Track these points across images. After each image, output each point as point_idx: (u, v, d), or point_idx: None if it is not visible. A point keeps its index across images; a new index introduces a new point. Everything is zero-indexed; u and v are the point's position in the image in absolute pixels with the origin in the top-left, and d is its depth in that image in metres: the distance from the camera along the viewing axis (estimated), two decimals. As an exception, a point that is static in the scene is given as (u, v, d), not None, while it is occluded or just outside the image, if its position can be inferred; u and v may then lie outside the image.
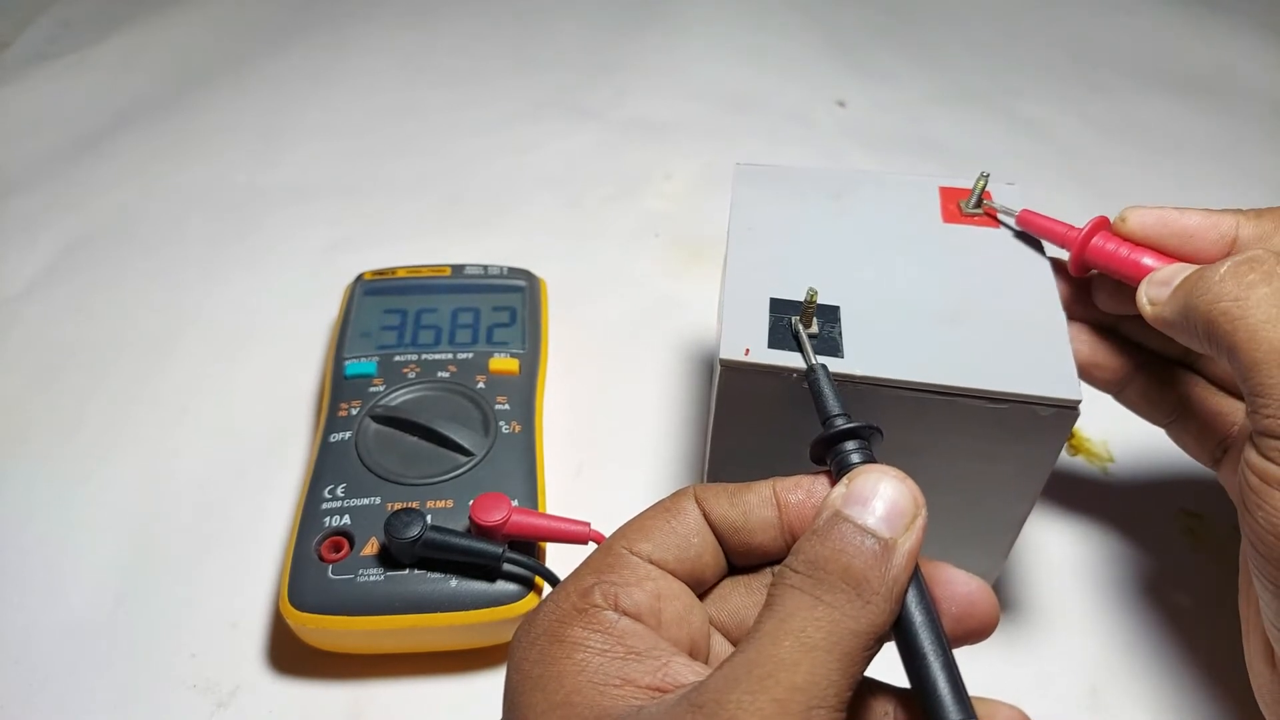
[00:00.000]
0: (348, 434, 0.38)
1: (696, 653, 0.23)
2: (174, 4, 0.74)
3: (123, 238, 0.54)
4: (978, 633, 0.23)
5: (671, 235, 0.55)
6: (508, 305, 0.44)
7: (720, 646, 0.24)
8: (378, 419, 0.38)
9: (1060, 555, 0.39)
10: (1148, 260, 0.30)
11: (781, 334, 0.29)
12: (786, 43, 0.73)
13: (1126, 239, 0.31)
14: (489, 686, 0.35)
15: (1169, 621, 0.37)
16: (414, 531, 0.32)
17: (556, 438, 0.42)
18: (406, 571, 0.33)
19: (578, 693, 0.20)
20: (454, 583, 0.33)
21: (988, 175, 0.34)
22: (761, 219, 0.34)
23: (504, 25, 0.74)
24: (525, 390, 0.40)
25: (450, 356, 0.41)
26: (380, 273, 0.46)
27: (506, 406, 0.39)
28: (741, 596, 0.25)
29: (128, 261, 0.52)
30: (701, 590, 0.24)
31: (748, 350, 0.29)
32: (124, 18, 0.72)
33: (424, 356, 0.41)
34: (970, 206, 0.34)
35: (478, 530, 0.33)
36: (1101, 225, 0.31)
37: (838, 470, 0.24)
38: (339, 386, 0.40)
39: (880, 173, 0.37)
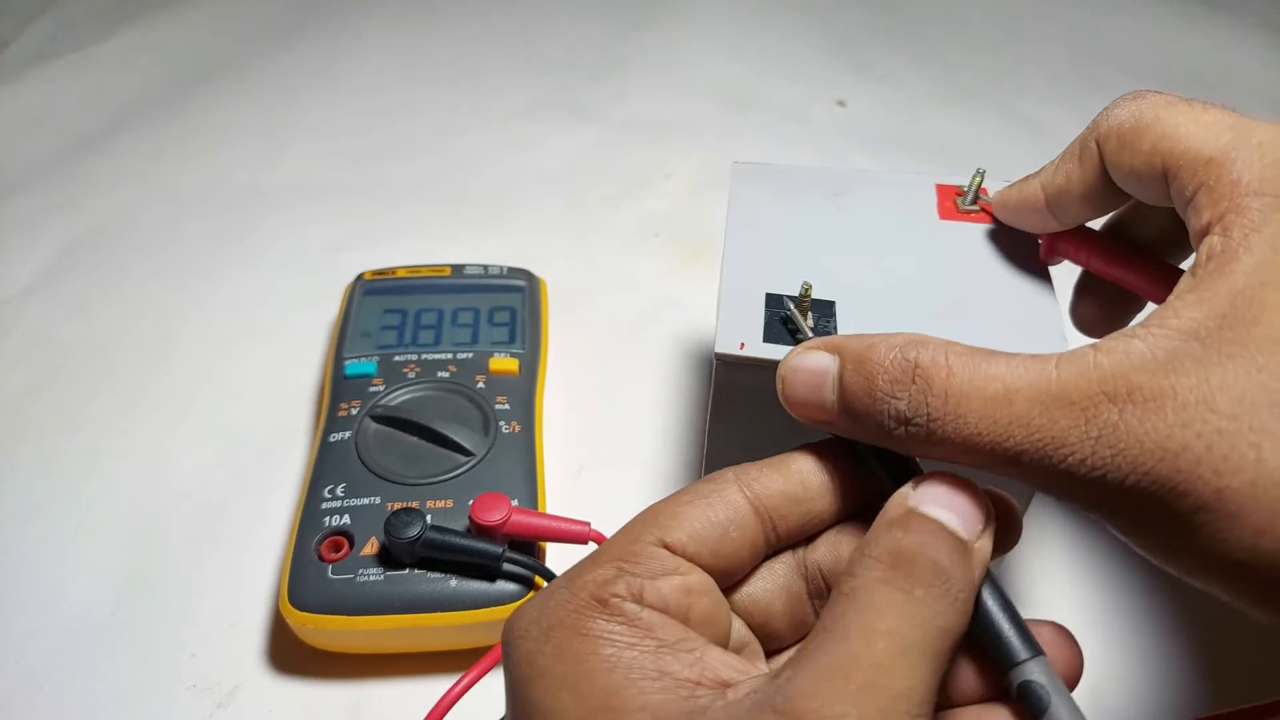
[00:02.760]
0: (348, 434, 0.38)
1: (720, 644, 0.22)
2: (174, 4, 0.74)
3: (123, 238, 0.54)
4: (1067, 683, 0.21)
5: (671, 235, 0.55)
6: (508, 305, 0.44)
7: (740, 632, 0.23)
8: (378, 419, 0.38)
9: (1061, 555, 0.39)
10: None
11: (777, 328, 0.30)
12: (786, 42, 0.73)
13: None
14: (489, 686, 0.35)
15: (1170, 621, 0.37)
16: (414, 531, 0.32)
17: (556, 438, 0.42)
18: (406, 571, 0.33)
19: (616, 694, 0.19)
20: (454, 583, 0.33)
21: (983, 172, 0.34)
22: (758, 216, 0.34)
23: (504, 25, 0.74)
24: (525, 390, 0.40)
25: (450, 356, 0.41)
26: (380, 273, 0.46)
27: (506, 406, 0.39)
28: (762, 580, 0.24)
29: (128, 261, 0.52)
30: (729, 584, 0.23)
31: (743, 344, 0.29)
32: (124, 18, 0.72)
33: (424, 356, 0.41)
34: (966, 203, 0.34)
35: (477, 530, 0.33)
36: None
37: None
38: (339, 386, 0.40)
39: (877, 171, 0.37)
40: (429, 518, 0.33)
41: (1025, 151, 0.62)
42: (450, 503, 0.35)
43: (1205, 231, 0.22)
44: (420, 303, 0.44)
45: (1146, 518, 0.20)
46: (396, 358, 0.41)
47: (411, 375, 0.40)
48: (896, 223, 0.34)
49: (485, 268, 0.46)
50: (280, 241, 0.54)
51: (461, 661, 0.35)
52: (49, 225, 0.54)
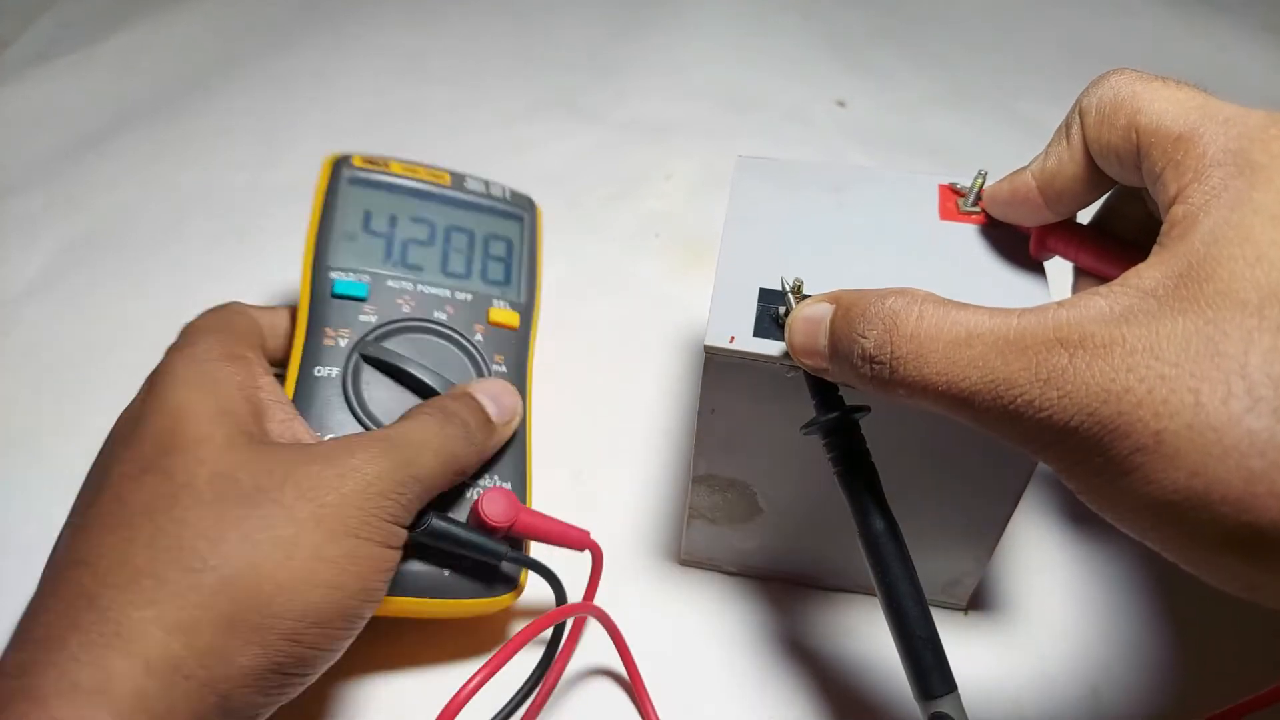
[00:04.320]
0: (335, 369, 0.34)
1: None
2: (174, 4, 0.74)
3: (123, 238, 0.54)
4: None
5: (671, 235, 0.55)
6: (504, 236, 0.42)
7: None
8: (370, 360, 0.35)
9: (1060, 554, 0.39)
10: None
11: (768, 323, 0.30)
12: (787, 42, 0.73)
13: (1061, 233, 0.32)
14: (489, 686, 0.35)
15: (1170, 620, 0.37)
16: (420, 521, 0.31)
17: (555, 438, 0.42)
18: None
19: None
20: (446, 573, 0.32)
21: (985, 174, 0.34)
22: (758, 210, 0.34)
23: (504, 25, 0.74)
24: (520, 350, 0.39)
25: (449, 295, 0.38)
26: (372, 161, 0.40)
27: (503, 368, 0.38)
28: None
29: (128, 261, 0.52)
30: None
31: (733, 338, 0.29)
32: (124, 18, 0.72)
33: (420, 289, 0.38)
34: (967, 205, 0.34)
35: (480, 525, 0.33)
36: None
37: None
38: (323, 305, 0.35)
39: (881, 169, 0.37)
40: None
41: (1026, 152, 0.62)
42: None
43: (1172, 203, 0.23)
44: (413, 209, 0.40)
45: (1087, 458, 0.21)
46: (390, 283, 0.37)
47: (406, 309, 0.36)
48: (897, 222, 0.34)
49: (487, 184, 0.43)
50: (280, 242, 0.54)
51: (461, 661, 0.35)
52: (49, 225, 0.54)
